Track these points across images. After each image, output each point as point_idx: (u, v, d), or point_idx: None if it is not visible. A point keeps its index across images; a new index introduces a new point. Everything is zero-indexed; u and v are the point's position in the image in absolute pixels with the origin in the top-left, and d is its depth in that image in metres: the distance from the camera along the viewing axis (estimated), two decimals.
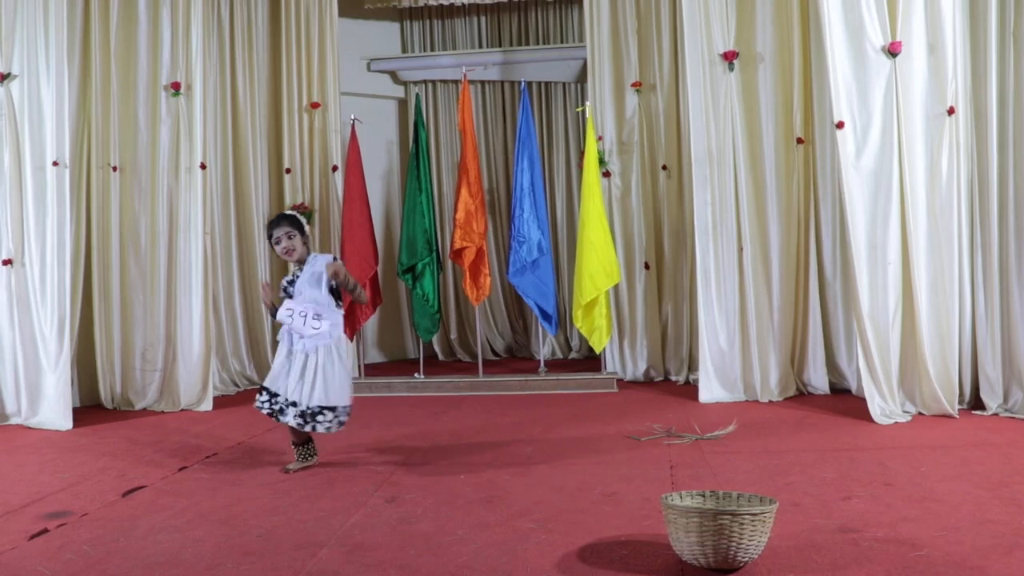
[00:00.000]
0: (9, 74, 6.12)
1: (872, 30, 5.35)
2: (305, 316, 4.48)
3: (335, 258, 4.62)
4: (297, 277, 4.61)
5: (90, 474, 4.70)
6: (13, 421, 6.21)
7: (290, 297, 4.58)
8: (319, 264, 4.56)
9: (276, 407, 4.51)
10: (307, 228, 4.71)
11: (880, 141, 5.37)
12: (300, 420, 4.48)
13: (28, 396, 6.16)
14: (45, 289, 6.07)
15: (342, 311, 4.67)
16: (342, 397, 4.55)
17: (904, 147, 5.32)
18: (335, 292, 4.59)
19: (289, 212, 4.82)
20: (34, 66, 6.07)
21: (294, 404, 4.49)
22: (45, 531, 3.70)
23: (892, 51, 5.31)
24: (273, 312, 4.63)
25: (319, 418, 4.49)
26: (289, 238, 4.56)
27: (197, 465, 4.83)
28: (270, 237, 4.65)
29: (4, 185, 6.15)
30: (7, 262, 6.16)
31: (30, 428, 6.05)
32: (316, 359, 4.50)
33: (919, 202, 5.37)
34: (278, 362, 4.57)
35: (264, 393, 4.55)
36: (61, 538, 3.60)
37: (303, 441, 4.66)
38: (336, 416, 4.53)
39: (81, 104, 6.53)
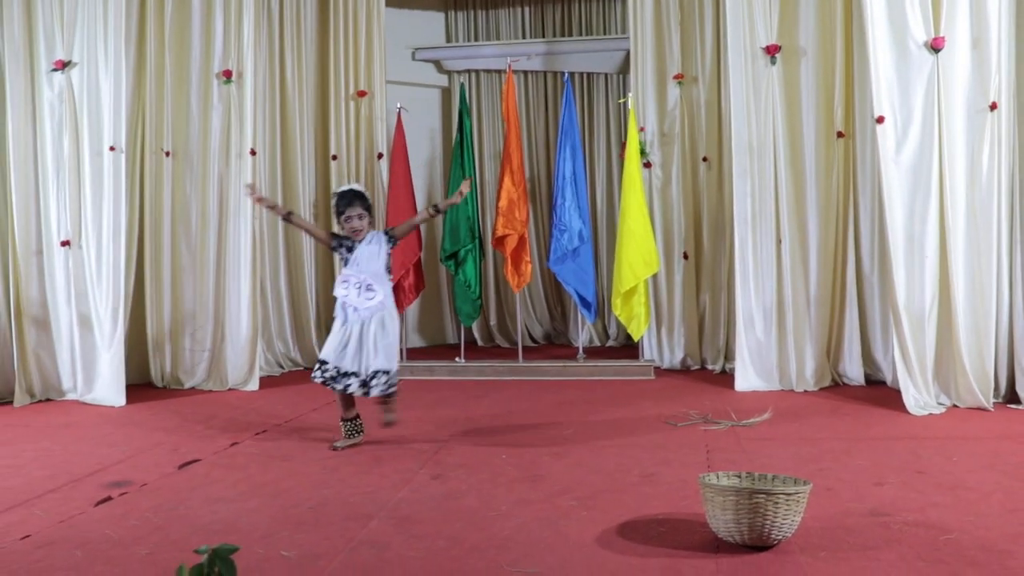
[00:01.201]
0: (70, 62, 6.34)
1: (915, 25, 5.38)
2: (360, 288, 4.70)
3: (388, 235, 4.84)
4: (355, 245, 4.77)
5: (146, 447, 4.91)
6: (69, 397, 6.48)
7: (344, 261, 4.80)
8: (375, 239, 4.79)
9: (327, 375, 4.72)
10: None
11: (920, 136, 5.41)
12: (364, 389, 4.71)
13: (84, 373, 6.41)
14: (101, 270, 6.30)
15: (392, 283, 4.90)
16: (392, 361, 4.77)
17: (944, 142, 5.36)
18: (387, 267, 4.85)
19: (360, 189, 4.91)
20: (93, 55, 6.29)
21: (354, 374, 4.71)
22: (109, 499, 3.90)
23: (935, 47, 5.34)
24: (283, 214, 5.01)
25: (373, 381, 4.70)
26: (360, 219, 4.76)
27: (248, 441, 5.02)
28: (340, 212, 4.78)
29: (63, 169, 6.39)
30: (65, 243, 6.40)
31: (85, 404, 6.30)
32: (371, 328, 4.71)
33: (958, 197, 5.41)
34: (334, 335, 4.77)
35: (320, 364, 4.77)
36: (124, 505, 3.80)
37: (351, 417, 4.84)
38: (389, 378, 4.73)
39: (136, 91, 6.74)
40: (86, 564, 3.11)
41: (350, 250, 4.78)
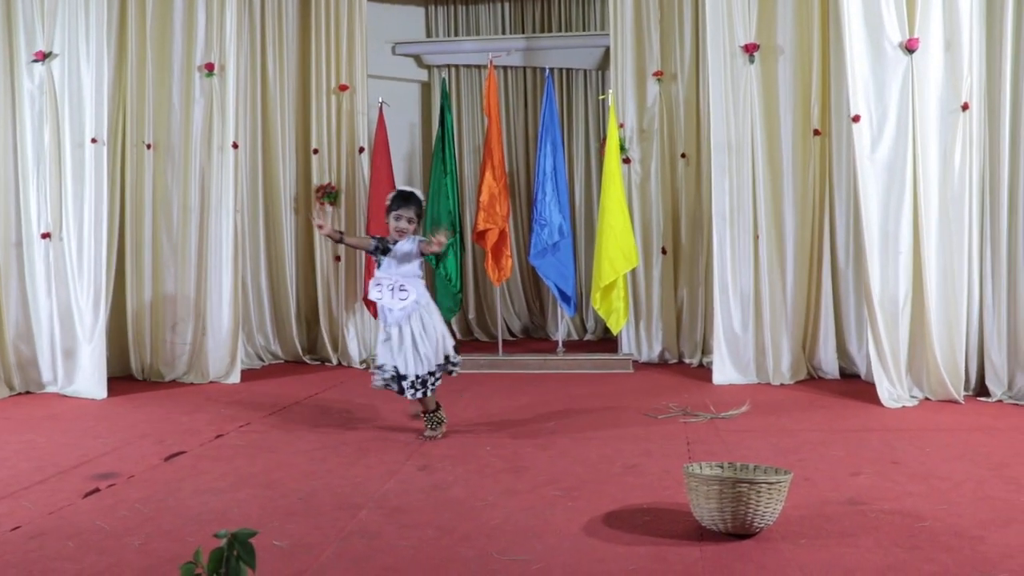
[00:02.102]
0: (51, 53, 6.31)
1: (890, 26, 5.50)
2: (393, 289, 4.71)
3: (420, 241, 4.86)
4: (390, 246, 4.78)
5: (130, 440, 4.93)
6: (49, 389, 6.45)
7: (378, 263, 4.82)
8: (410, 241, 4.78)
9: (387, 376, 4.78)
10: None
11: (895, 135, 5.53)
12: (413, 390, 4.74)
13: (64, 365, 6.39)
14: (82, 262, 6.28)
15: (423, 280, 4.88)
16: (438, 358, 4.80)
17: (918, 141, 5.48)
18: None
19: (419, 194, 4.91)
20: (74, 46, 6.25)
21: (404, 377, 4.75)
22: (97, 490, 3.92)
23: (909, 48, 5.46)
24: (338, 238, 4.86)
25: (428, 382, 4.76)
26: (409, 222, 4.76)
27: (232, 433, 5.04)
28: (393, 209, 4.77)
29: (44, 161, 6.35)
30: (45, 236, 6.38)
31: (66, 396, 6.28)
32: (410, 329, 4.73)
33: (931, 194, 5.54)
34: (381, 342, 4.84)
35: (378, 371, 4.82)
36: (112, 497, 3.83)
37: (432, 409, 4.89)
38: (435, 377, 4.79)
39: (117, 83, 6.71)
40: (79, 554, 3.14)
41: (385, 252, 4.77)
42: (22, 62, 6.38)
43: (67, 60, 6.28)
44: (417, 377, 4.74)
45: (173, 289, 6.87)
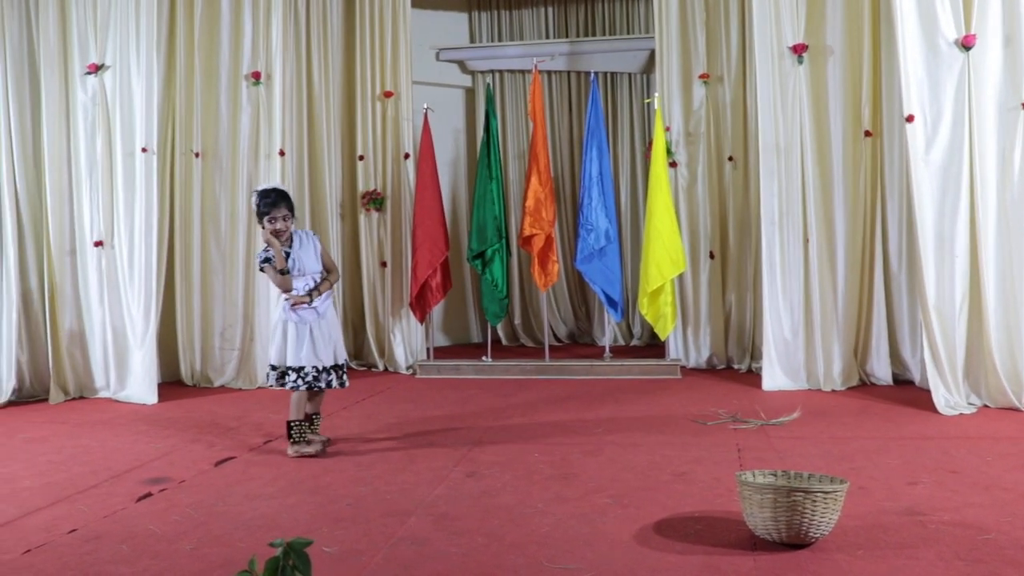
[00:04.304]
0: (103, 65, 6.43)
1: (945, 23, 5.37)
2: (308, 289, 4.71)
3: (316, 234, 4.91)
4: (286, 253, 4.66)
5: (181, 445, 4.98)
6: (102, 394, 6.57)
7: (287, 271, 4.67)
8: (308, 239, 4.77)
9: (308, 378, 4.67)
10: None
11: (950, 135, 5.40)
12: (340, 381, 4.78)
13: (116, 371, 6.51)
14: (133, 270, 6.39)
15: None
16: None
17: (975, 141, 5.34)
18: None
19: (284, 189, 4.81)
20: (126, 58, 6.38)
21: (332, 368, 4.75)
22: (149, 495, 3.97)
23: (965, 44, 5.33)
24: (282, 270, 4.64)
25: (344, 371, 4.80)
26: (285, 220, 4.67)
27: (281, 439, 5.06)
28: (265, 212, 4.63)
29: (96, 170, 6.49)
30: (98, 244, 6.50)
31: (118, 401, 6.39)
32: (327, 321, 4.74)
33: (989, 196, 5.39)
34: (297, 340, 4.64)
35: (291, 373, 4.65)
36: (164, 501, 3.87)
37: (300, 418, 4.73)
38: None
39: (166, 93, 6.82)
40: (133, 558, 3.17)
41: (287, 257, 4.68)
42: (76, 74, 6.54)
43: (119, 72, 6.41)
44: (341, 364, 4.79)
45: (222, 295, 6.95)
